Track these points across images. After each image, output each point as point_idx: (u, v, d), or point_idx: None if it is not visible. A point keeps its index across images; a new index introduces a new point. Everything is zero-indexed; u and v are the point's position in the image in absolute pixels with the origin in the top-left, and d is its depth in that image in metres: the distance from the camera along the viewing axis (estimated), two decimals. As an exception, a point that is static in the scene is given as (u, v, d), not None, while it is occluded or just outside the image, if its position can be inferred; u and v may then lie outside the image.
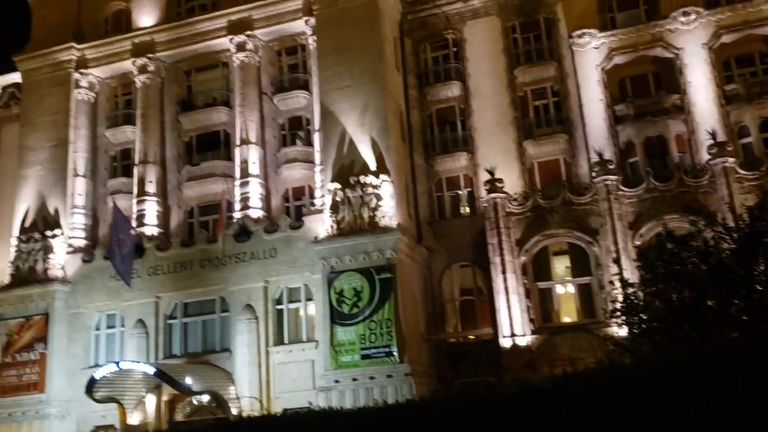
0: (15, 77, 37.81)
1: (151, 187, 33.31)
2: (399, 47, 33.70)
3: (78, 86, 35.50)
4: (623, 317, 19.69)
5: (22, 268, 32.79)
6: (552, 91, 32.55)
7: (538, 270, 28.96)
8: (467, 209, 32.28)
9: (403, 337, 27.24)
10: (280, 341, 29.71)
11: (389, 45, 32.28)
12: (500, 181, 29.54)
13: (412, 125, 33.07)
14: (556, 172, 31.47)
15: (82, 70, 35.61)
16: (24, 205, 34.11)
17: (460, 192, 32.51)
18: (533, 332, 27.76)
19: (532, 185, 31.00)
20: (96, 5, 36.93)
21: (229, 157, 33.21)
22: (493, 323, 28.76)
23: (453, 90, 33.18)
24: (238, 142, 32.56)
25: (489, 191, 29.40)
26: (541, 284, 28.96)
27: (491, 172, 29.76)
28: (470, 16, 33.81)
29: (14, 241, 33.54)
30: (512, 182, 30.49)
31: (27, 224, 33.64)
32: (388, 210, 29.03)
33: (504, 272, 28.33)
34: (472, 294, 31.09)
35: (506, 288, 28.18)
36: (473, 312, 30.92)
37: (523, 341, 27.53)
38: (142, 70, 34.70)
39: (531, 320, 27.98)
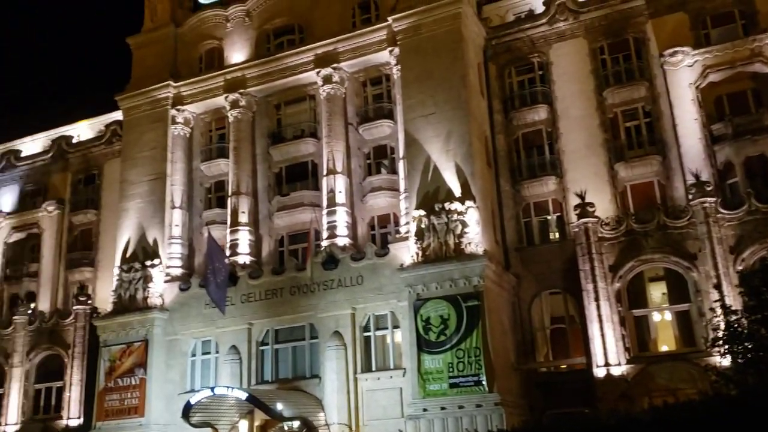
0: (117, 115, 40.08)
1: (243, 218, 34.32)
2: (483, 73, 33.63)
3: (174, 122, 37.19)
4: (726, 346, 18.70)
5: (124, 297, 34.35)
6: (644, 112, 31.56)
7: (633, 297, 27.95)
8: (557, 235, 31.56)
9: (492, 366, 26.73)
10: (368, 368, 29.76)
11: (473, 71, 32.26)
12: (591, 205, 28.76)
13: (498, 150, 32.78)
14: (650, 195, 30.37)
15: (178, 107, 37.29)
16: (125, 237, 35.82)
17: (548, 217, 31.85)
18: (629, 361, 26.68)
19: (625, 209, 30.03)
20: (191, 45, 38.77)
21: (317, 187, 33.88)
22: (586, 352, 27.85)
23: (540, 113, 32.73)
24: (325, 172, 33.19)
25: (579, 216, 28.65)
26: (637, 312, 27.88)
27: (581, 197, 29.05)
28: (556, 39, 33.38)
29: (116, 271, 35.19)
30: (604, 206, 29.63)
31: (128, 254, 35.27)
32: (474, 236, 28.74)
33: (597, 299, 27.43)
34: (564, 322, 30.22)
35: (600, 316, 27.26)
36: (565, 341, 30.03)
37: (617, 371, 26.49)
38: (234, 105, 36.03)
39: (626, 349, 26.90)
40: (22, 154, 44.37)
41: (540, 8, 34.20)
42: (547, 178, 31.64)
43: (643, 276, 28.15)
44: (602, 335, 27.01)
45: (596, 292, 27.51)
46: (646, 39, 31.90)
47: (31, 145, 44.88)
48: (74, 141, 42.83)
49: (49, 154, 42.94)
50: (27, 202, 43.35)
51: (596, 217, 28.53)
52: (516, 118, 33.04)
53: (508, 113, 33.22)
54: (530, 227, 31.94)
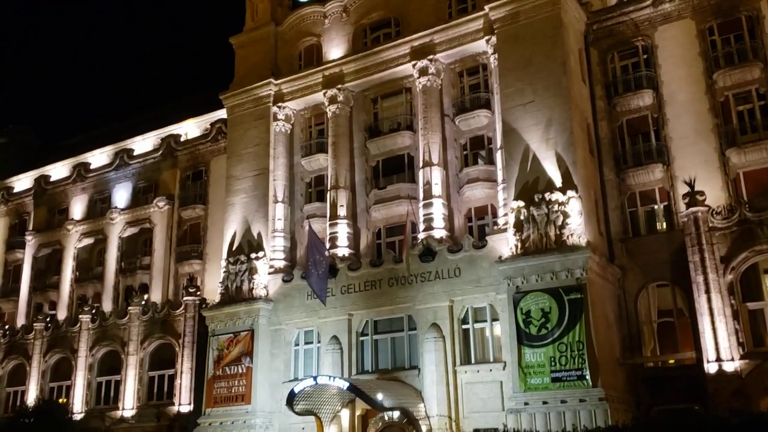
0: (221, 113, 41.55)
1: (342, 211, 34.87)
2: (584, 58, 32.67)
3: (276, 119, 38.18)
4: None
5: (230, 288, 35.63)
6: (758, 94, 29.81)
7: (746, 289, 26.54)
8: (664, 225, 30.32)
9: (596, 360, 26.02)
10: (467, 360, 29.63)
11: (574, 57, 31.39)
12: (701, 193, 27.44)
13: (601, 138, 31.80)
14: (765, 182, 28.65)
15: (279, 104, 38.25)
16: (231, 230, 37.14)
17: (655, 206, 30.65)
18: (743, 357, 25.34)
19: (738, 197, 28.50)
20: (290, 42, 39.66)
21: (414, 180, 33.95)
22: (696, 347, 26.70)
23: (645, 99, 31.48)
24: (421, 164, 33.19)
25: (688, 205, 27.41)
26: (751, 305, 26.47)
27: (691, 185, 27.76)
28: (661, 21, 31.99)
29: (223, 263, 36.57)
30: (714, 194, 28.23)
31: (234, 247, 36.56)
32: (576, 227, 28.00)
33: (708, 292, 26.20)
34: (672, 315, 29.05)
35: (711, 309, 26.04)
36: (673, 335, 28.86)
37: (730, 367, 25.22)
38: (333, 100, 36.61)
39: (740, 344, 25.57)
40: (135, 153, 46.79)
41: (644, -10, 32.80)
42: (653, 165, 30.41)
43: (757, 267, 26.66)
44: (713, 329, 25.80)
45: (707, 284, 26.29)
46: (761, 17, 30.07)
47: (142, 143, 47.22)
48: (182, 139, 44.78)
49: (159, 152, 45.09)
50: (139, 198, 45.72)
51: (706, 205, 27.22)
52: (619, 104, 31.93)
53: (611, 99, 32.15)
54: (636, 217, 30.82)
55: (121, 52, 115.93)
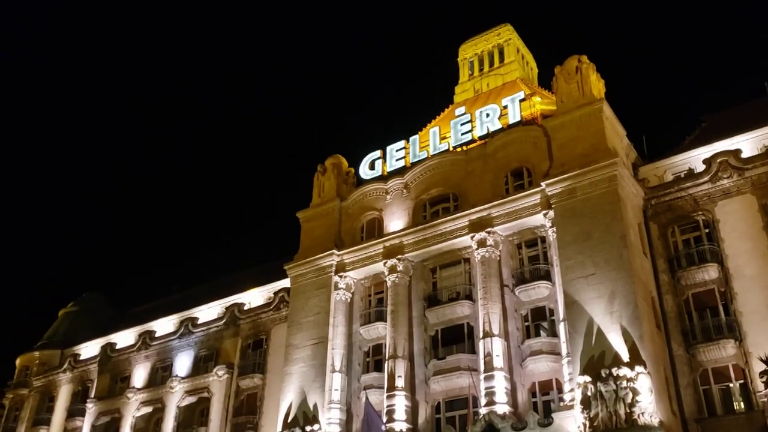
0: (284, 283, 42.57)
1: (400, 382, 34.12)
2: (644, 232, 32.80)
3: (337, 288, 38.84)
4: None
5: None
6: (830, 268, 28.93)
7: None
8: (742, 405, 28.51)
9: None
10: None
11: (633, 230, 31.51)
12: (779, 371, 25.94)
13: (666, 312, 31.01)
14: None
15: (341, 274, 39.09)
16: (287, 401, 36.58)
17: (731, 385, 29.01)
18: None
19: (821, 376, 26.72)
20: (353, 216, 41.25)
21: (473, 350, 33.32)
22: None
23: (710, 273, 30.97)
24: (481, 334, 32.71)
25: (767, 384, 25.82)
26: None
27: (767, 362, 26.32)
28: (720, 196, 32.21)
29: (278, 436, 35.65)
30: (795, 372, 26.60)
31: (289, 419, 35.78)
32: (648, 405, 26.56)
33: (798, 481, 23.92)
34: (760, 506, 26.41)
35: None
36: None
37: None
38: (393, 270, 37.22)
39: None
40: (199, 321, 47.70)
41: (700, 167, 33.45)
42: (724, 341, 29.22)
43: None
44: None
45: (797, 472, 24.06)
46: (824, 190, 29.91)
47: (207, 312, 48.28)
48: (245, 308, 45.65)
49: (223, 321, 45.85)
50: (200, 366, 45.90)
51: (788, 384, 25.61)
52: (684, 278, 31.40)
53: (675, 273, 31.70)
54: (710, 396, 29.18)
55: (194, 225, 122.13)
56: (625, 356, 27.72)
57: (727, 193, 32.09)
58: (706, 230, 32.20)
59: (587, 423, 27.24)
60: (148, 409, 46.81)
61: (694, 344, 29.94)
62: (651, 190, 33.84)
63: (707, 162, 32.85)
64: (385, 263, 37.63)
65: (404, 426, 33.03)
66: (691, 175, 33.80)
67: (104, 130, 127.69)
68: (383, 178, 40.97)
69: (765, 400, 25.87)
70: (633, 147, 36.73)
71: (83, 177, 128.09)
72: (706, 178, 32.48)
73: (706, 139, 35.48)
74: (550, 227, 33.01)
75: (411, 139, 41.01)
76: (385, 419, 32.96)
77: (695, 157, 34.50)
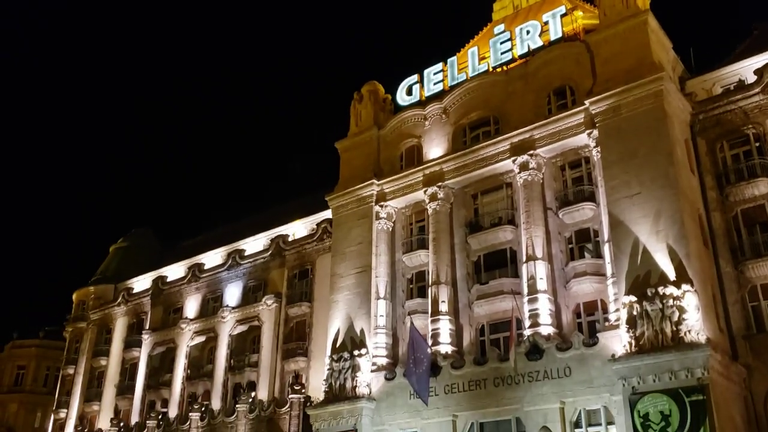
0: (326, 214, 42.93)
1: (443, 307, 34.50)
2: (691, 148, 31.86)
3: (378, 217, 38.95)
4: None
5: (334, 386, 35.49)
6: None
7: None
8: (792, 320, 28.12)
9: (725, 469, 23.80)
10: (582, 468, 27.80)
11: (680, 147, 30.62)
12: (831, 285, 25.42)
13: (714, 229, 30.41)
14: None
15: (381, 203, 39.11)
16: (335, 327, 37.43)
17: (781, 300, 28.56)
18: None
19: None
20: (392, 144, 40.90)
21: (517, 274, 33.31)
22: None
23: (760, 188, 30.14)
24: (524, 258, 32.62)
25: (818, 297, 25.38)
26: None
27: (819, 276, 25.78)
28: (773, 107, 30.88)
29: (327, 361, 36.65)
30: None
31: (338, 344, 36.69)
32: (694, 323, 26.40)
33: None
34: (809, 420, 26.42)
35: None
36: (813, 443, 26.12)
37: None
38: (433, 197, 37.07)
39: None
40: (246, 253, 48.69)
41: (751, 78, 32.06)
42: (775, 257, 28.61)
43: None
44: None
45: None
46: None
47: (253, 244, 49.18)
48: (290, 239, 46.34)
49: (269, 252, 46.71)
50: (249, 296, 47.14)
51: (841, 299, 25.12)
52: (732, 194, 30.60)
53: (723, 189, 30.89)
54: (759, 312, 28.88)
55: (237, 159, 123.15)
56: (672, 275, 27.41)
57: (781, 103, 30.78)
58: (757, 144, 31.12)
59: (633, 342, 27.26)
60: (202, 339, 48.56)
61: (742, 261, 29.43)
62: (699, 104, 32.65)
63: (758, 72, 31.46)
64: (425, 191, 37.45)
65: (449, 348, 33.59)
66: (741, 86, 32.45)
67: (151, 79, 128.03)
68: (421, 103, 40.30)
69: (817, 314, 25.41)
70: (680, 60, 35.24)
71: (129, 116, 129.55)
72: (757, 90, 31.17)
73: (757, 47, 33.85)
74: (595, 147, 32.26)
75: (449, 61, 39.96)
76: (430, 342, 33.52)
77: (746, 68, 33.02)
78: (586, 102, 32.43)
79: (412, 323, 33.76)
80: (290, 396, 38.63)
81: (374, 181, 39.37)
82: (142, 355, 51.84)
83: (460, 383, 31.67)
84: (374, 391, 34.54)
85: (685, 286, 26.94)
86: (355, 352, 35.53)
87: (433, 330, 34.25)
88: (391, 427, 33.42)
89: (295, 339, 43.07)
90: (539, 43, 36.82)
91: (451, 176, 36.86)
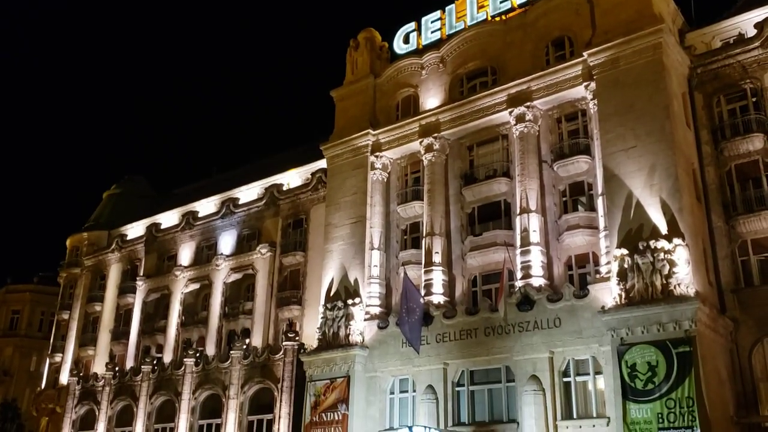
0: (321, 164, 42.79)
1: (437, 258, 34.77)
2: (688, 102, 31.76)
3: (373, 168, 38.88)
4: None
5: (328, 334, 36.00)
6: None
7: None
8: (780, 275, 28.53)
9: (708, 418, 24.47)
10: (568, 415, 28.49)
11: (677, 101, 30.52)
12: (820, 241, 25.74)
13: (708, 184, 30.56)
14: None
15: (376, 153, 38.97)
16: (329, 277, 37.74)
17: (770, 255, 28.93)
18: None
19: None
20: (388, 93, 40.56)
21: (510, 227, 33.50)
22: (821, 407, 24.64)
23: (755, 143, 30.15)
24: (518, 211, 32.77)
25: (807, 253, 25.73)
26: None
27: (809, 232, 26.09)
28: (771, 62, 30.69)
29: (321, 309, 37.08)
30: (836, 242, 26.41)
31: (332, 293, 37.06)
32: (684, 277, 26.76)
33: (833, 347, 24.28)
34: (792, 372, 27.07)
35: (836, 366, 24.05)
36: (794, 393, 26.80)
37: None
38: (429, 148, 36.97)
39: None
40: (240, 202, 48.67)
41: (751, 31, 31.77)
42: (766, 212, 28.95)
43: None
44: (842, 389, 23.78)
45: (831, 339, 24.38)
46: None
47: (247, 193, 49.11)
48: (284, 188, 46.28)
49: (263, 201, 46.68)
50: (243, 245, 47.27)
51: (828, 254, 25.47)
52: (727, 149, 30.66)
53: (718, 144, 30.93)
54: (748, 266, 29.23)
55: (230, 106, 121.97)
56: (664, 229, 27.65)
57: (778, 58, 30.59)
58: (753, 99, 31.01)
59: (623, 294, 27.64)
60: (196, 286, 48.87)
61: (734, 216, 29.67)
62: (697, 57, 32.41)
63: (758, 26, 31.15)
64: (421, 142, 37.31)
65: (441, 299, 34.00)
66: (741, 40, 32.15)
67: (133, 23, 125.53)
68: (418, 52, 39.84)
69: (804, 269, 25.78)
70: (680, 12, 34.83)
71: (124, 61, 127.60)
72: (756, 44, 30.90)
73: (759, 0, 33.44)
74: (592, 99, 32.11)
75: (447, 8, 39.36)
76: (423, 292, 33.92)
77: (746, 21, 32.69)
78: (585, 54, 32.13)
79: (405, 273, 34.07)
80: (284, 343, 39.15)
81: (370, 131, 39.15)
82: (137, 301, 52.21)
83: (451, 332, 32.17)
84: (367, 339, 35.07)
85: (676, 240, 27.20)
86: (349, 301, 35.90)
87: (426, 280, 34.61)
88: (383, 374, 34.07)
89: (290, 288, 43.37)
90: (539, -9, 36.25)
91: (447, 127, 36.69)
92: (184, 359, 43.62)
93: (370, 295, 36.31)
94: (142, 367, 45.83)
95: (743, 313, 28.31)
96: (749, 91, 31.19)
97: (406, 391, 33.36)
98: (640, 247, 27.57)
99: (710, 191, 30.49)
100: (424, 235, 35.81)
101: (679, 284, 26.61)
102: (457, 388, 31.63)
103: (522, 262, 31.71)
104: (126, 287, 53.86)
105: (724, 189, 30.48)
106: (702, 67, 32.12)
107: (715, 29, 34.07)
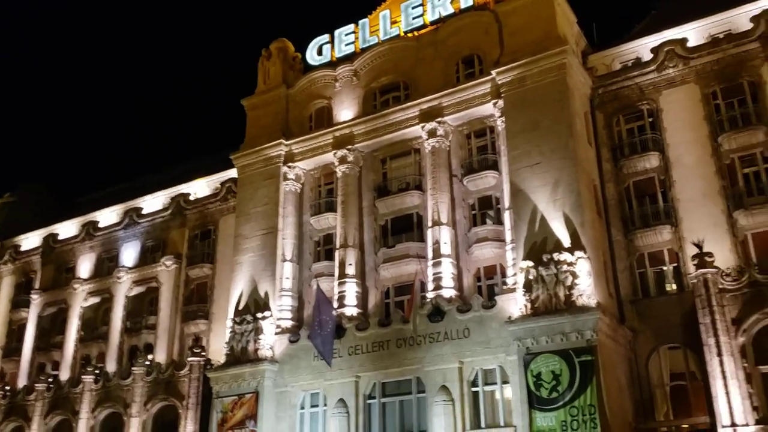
0: (231, 173, 42.01)
1: (350, 270, 34.77)
2: (590, 121, 33.31)
3: (286, 178, 38.52)
4: None
5: (236, 349, 35.22)
6: (762, 158, 30.17)
7: (759, 352, 26.20)
8: (674, 286, 30.24)
9: (609, 424, 25.49)
10: (477, 425, 29.02)
11: (580, 120, 31.91)
12: (710, 255, 27.44)
13: (608, 199, 32.05)
14: (774, 243, 28.63)
15: (289, 164, 38.65)
16: (238, 290, 36.99)
17: (664, 268, 30.60)
18: (758, 422, 24.90)
19: (747, 259, 28.50)
20: (301, 104, 40.38)
21: (422, 239, 33.97)
22: (710, 411, 26.20)
23: (651, 161, 31.88)
24: (430, 223, 33.30)
25: (698, 266, 27.38)
26: (765, 368, 26.08)
27: (699, 246, 27.81)
28: (665, 86, 32.67)
29: (229, 323, 36.23)
30: (723, 256, 28.24)
31: (240, 307, 36.31)
32: (586, 288, 27.87)
33: (720, 355, 25.87)
34: (684, 379, 28.67)
35: (723, 372, 25.68)
36: (686, 399, 28.37)
37: (746, 432, 24.65)
38: (342, 160, 37.02)
39: (754, 408, 25.10)
40: (144, 212, 47.03)
41: (647, 56, 33.67)
42: (661, 227, 30.55)
43: (770, 330, 26.37)
44: (727, 393, 25.38)
45: (718, 346, 26.00)
46: (763, 82, 30.67)
47: (152, 202, 47.51)
48: (191, 198, 45.06)
49: (168, 211, 45.31)
50: (147, 257, 45.69)
51: (716, 267, 27.20)
52: (626, 167, 32.27)
53: (618, 161, 32.51)
54: (645, 278, 30.79)
55: (137, 113, 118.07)
56: (567, 242, 28.75)
57: (672, 82, 32.54)
58: (650, 119, 32.83)
59: (528, 305, 28.51)
60: (96, 300, 46.84)
61: (632, 230, 31.20)
62: (599, 78, 34.05)
63: (654, 51, 33.06)
64: (334, 154, 37.32)
65: (355, 311, 33.99)
66: (638, 64, 34.06)
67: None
68: (332, 64, 39.91)
69: (695, 281, 27.35)
70: (583, 35, 36.53)
71: (21, 63, 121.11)
72: (652, 67, 32.79)
73: (655, 27, 35.53)
74: (500, 117, 33.08)
75: (360, 22, 39.70)
76: (336, 305, 33.80)
77: (643, 46, 34.63)
78: (493, 72, 33.13)
79: (318, 286, 33.88)
80: (190, 359, 37.91)
81: (282, 141, 38.82)
82: (31, 315, 49.46)
83: (363, 345, 32.18)
84: (277, 353, 34.56)
85: (578, 253, 28.32)
86: (259, 315, 35.31)
87: (339, 292, 34.53)
88: (293, 389, 33.63)
89: (196, 301, 42.23)
90: (450, 10, 37.17)
91: (361, 140, 36.88)
92: (83, 376, 41.54)
93: (282, 308, 35.85)
94: (36, 385, 43.38)
95: (641, 323, 29.74)
96: (646, 112, 32.99)
97: (317, 406, 33.05)
98: (545, 260, 28.55)
99: (610, 206, 31.95)
100: (337, 246, 35.75)
101: (581, 295, 27.68)
102: (368, 401, 31.63)
103: (434, 274, 32.19)
104: (19, 301, 50.96)
105: (623, 204, 32.01)
106: (603, 87, 33.75)
107: (614, 52, 35.87)
